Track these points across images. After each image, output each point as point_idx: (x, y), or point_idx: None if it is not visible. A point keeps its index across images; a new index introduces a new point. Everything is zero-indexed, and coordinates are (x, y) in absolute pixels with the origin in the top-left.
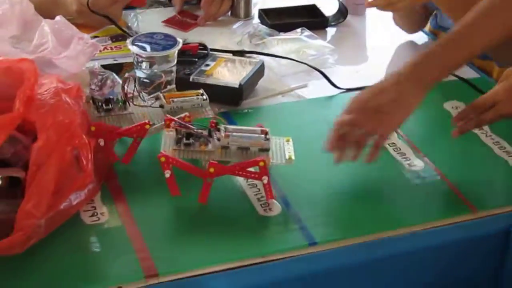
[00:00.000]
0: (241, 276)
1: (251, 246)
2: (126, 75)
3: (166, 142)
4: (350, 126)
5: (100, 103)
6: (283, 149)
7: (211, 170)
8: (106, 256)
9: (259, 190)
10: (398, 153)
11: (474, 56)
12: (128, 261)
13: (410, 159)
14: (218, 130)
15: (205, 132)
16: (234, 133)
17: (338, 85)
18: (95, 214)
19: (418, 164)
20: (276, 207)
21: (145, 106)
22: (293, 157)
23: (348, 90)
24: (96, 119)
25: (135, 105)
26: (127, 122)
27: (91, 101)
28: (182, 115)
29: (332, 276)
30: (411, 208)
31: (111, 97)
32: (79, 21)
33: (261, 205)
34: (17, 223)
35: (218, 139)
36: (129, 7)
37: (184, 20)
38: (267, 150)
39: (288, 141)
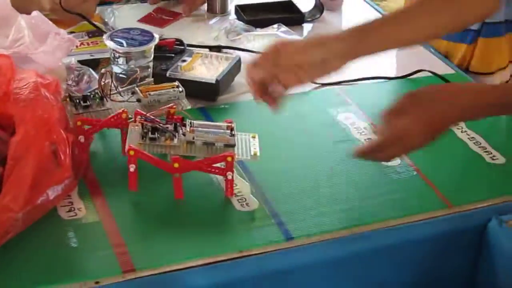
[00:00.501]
0: (218, 271)
1: (228, 241)
2: (103, 70)
3: (132, 136)
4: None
5: (77, 100)
6: (248, 145)
7: (176, 165)
8: (83, 251)
9: (236, 185)
10: None
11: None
12: (105, 256)
13: None
14: (184, 125)
15: (171, 127)
16: (200, 128)
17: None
18: (72, 209)
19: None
20: (253, 202)
21: (123, 101)
22: (258, 153)
23: (323, 85)
24: (74, 117)
25: (112, 100)
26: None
27: (68, 99)
28: (168, 106)
29: (308, 271)
30: (387, 203)
31: (88, 93)
32: (53, 17)
33: (238, 200)
34: None
35: (184, 134)
36: (106, 2)
37: (160, 17)
38: (232, 146)
39: (254, 137)
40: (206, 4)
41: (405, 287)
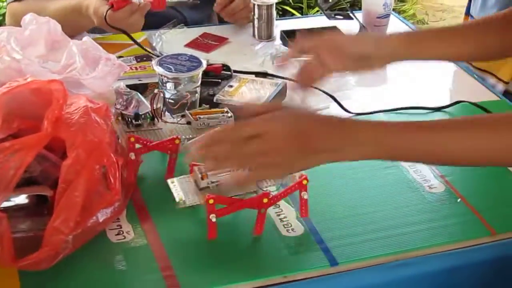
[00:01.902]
0: None
1: (274, 265)
2: (156, 91)
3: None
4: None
5: (129, 119)
6: None
7: (265, 200)
8: (132, 274)
9: (282, 210)
10: (418, 175)
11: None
12: (153, 279)
13: (430, 181)
14: None
15: None
16: None
17: (356, 107)
18: (121, 232)
19: (438, 186)
20: (299, 228)
21: (173, 122)
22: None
23: (365, 113)
24: (126, 134)
25: (163, 121)
26: (156, 137)
27: (120, 117)
28: None
29: None
30: (431, 230)
31: (140, 112)
32: (102, 41)
33: (283, 225)
34: (45, 239)
35: None
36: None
37: (206, 42)
38: None
39: None
40: (251, 29)
41: None
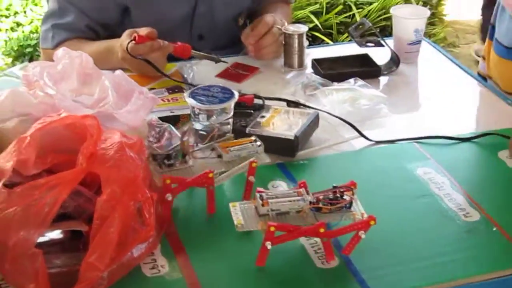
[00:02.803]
0: None
1: None
2: (185, 128)
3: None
4: None
5: (161, 159)
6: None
7: (321, 230)
8: None
9: (316, 242)
10: (453, 204)
11: None
12: None
13: (465, 210)
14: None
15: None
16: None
17: (385, 135)
18: (156, 266)
19: (473, 214)
20: (334, 260)
21: (204, 157)
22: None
23: (378, 142)
24: (161, 175)
25: (194, 157)
26: (189, 175)
27: (151, 158)
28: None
29: None
30: (468, 259)
31: (171, 152)
32: (132, 74)
33: (318, 257)
34: (81, 274)
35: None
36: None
37: (237, 71)
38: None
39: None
40: (283, 59)
41: None
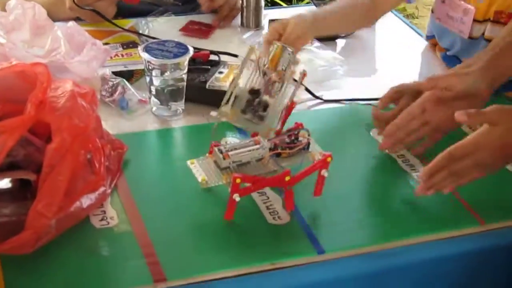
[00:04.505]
0: (249, 283)
1: (260, 253)
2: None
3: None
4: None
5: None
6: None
7: (287, 178)
8: (115, 260)
9: (268, 198)
10: (407, 165)
11: None
12: (136, 265)
13: (418, 170)
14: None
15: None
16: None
17: (346, 96)
18: (105, 218)
19: None
20: (285, 216)
21: None
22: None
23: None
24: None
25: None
26: None
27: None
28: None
29: (339, 285)
30: (419, 219)
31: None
32: (88, 29)
33: (270, 213)
34: (27, 222)
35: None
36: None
37: (199, 27)
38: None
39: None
40: (239, 18)
41: None
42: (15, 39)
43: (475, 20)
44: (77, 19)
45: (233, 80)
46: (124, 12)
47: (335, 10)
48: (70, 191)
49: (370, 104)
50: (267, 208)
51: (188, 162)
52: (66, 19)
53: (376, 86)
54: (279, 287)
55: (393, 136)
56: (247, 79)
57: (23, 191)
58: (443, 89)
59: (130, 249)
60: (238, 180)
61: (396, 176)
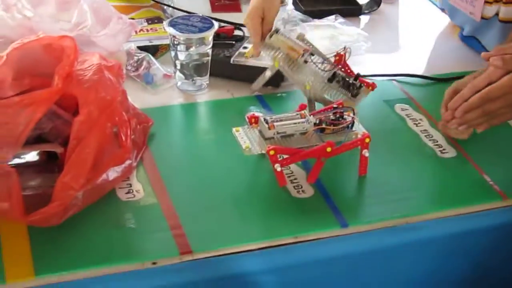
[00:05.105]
0: (273, 256)
1: (284, 226)
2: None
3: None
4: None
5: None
6: None
7: (328, 149)
8: (141, 232)
9: (292, 172)
10: (430, 140)
11: None
12: (162, 237)
13: (442, 146)
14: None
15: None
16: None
17: (370, 72)
18: (131, 191)
19: (450, 151)
20: (309, 189)
21: None
22: None
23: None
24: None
25: None
26: None
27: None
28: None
29: (362, 258)
30: (442, 194)
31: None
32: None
33: (294, 187)
34: (54, 194)
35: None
36: None
37: (225, 2)
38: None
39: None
40: None
41: (457, 277)
42: (42, 12)
43: (486, 2)
44: None
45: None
46: None
47: None
48: (97, 163)
49: (395, 80)
50: (291, 182)
51: (234, 129)
52: None
53: (399, 63)
54: (302, 260)
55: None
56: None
57: (50, 164)
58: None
59: (156, 222)
60: (272, 152)
61: (419, 151)
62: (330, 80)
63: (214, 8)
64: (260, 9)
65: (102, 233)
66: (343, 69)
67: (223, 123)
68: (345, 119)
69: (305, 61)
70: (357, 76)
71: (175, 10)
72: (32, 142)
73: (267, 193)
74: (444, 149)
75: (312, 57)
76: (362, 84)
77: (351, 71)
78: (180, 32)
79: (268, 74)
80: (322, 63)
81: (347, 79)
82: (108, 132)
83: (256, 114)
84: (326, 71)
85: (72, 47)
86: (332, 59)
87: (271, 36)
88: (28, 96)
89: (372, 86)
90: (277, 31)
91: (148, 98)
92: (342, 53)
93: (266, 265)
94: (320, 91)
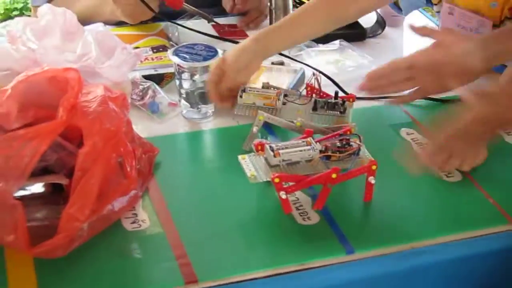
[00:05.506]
0: (279, 283)
1: (290, 254)
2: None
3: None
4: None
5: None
6: None
7: (334, 176)
8: (147, 262)
9: (298, 199)
10: None
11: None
12: (168, 267)
13: (448, 171)
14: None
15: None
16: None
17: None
18: (136, 221)
19: (455, 175)
20: (314, 216)
21: None
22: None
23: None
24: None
25: None
26: None
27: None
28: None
29: (368, 284)
30: (447, 218)
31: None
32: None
33: (299, 213)
34: (60, 225)
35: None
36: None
37: (232, 30)
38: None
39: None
40: (268, 20)
41: None
42: (47, 44)
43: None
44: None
45: None
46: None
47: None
48: (102, 194)
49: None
50: (297, 208)
51: (240, 157)
52: (108, 21)
53: None
54: (308, 287)
55: (375, 80)
56: None
57: (56, 196)
58: (436, 45)
59: (162, 251)
60: (277, 180)
61: (424, 175)
62: (314, 108)
63: (222, 34)
64: (218, 68)
65: (108, 263)
66: (319, 96)
67: (228, 150)
68: (351, 145)
69: (283, 103)
70: (336, 95)
71: (180, 38)
72: (37, 174)
73: (273, 221)
74: (449, 173)
75: (287, 97)
76: (344, 100)
77: (327, 94)
78: (184, 61)
79: (255, 130)
80: (299, 97)
81: (329, 101)
82: (113, 163)
83: (263, 141)
84: (306, 103)
85: (77, 79)
86: (304, 92)
87: (241, 97)
88: (33, 129)
89: (353, 98)
90: (244, 89)
91: (154, 127)
92: (311, 82)
93: None
94: (310, 122)
